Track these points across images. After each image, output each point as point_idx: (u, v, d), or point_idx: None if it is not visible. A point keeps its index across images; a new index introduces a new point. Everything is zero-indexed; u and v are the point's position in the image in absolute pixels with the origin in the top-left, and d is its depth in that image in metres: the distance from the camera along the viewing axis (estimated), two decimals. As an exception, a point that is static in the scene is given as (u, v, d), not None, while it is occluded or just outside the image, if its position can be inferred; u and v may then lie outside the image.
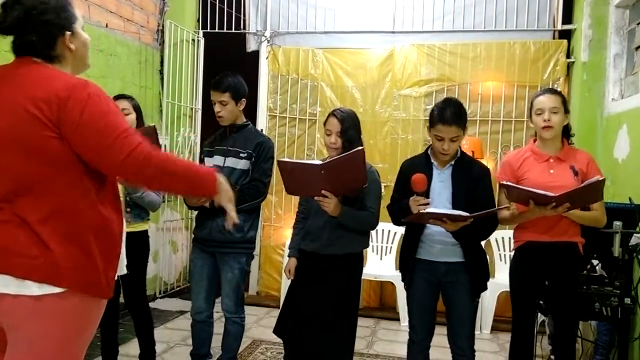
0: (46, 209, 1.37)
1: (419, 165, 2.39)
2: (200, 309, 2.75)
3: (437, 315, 2.44)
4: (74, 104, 1.34)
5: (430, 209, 2.21)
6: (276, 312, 2.65)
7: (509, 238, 4.14)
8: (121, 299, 2.90)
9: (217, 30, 4.92)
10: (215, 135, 2.82)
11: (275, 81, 4.84)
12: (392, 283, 4.33)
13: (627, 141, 3.40)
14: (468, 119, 2.43)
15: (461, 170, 2.35)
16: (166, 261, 4.77)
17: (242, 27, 4.94)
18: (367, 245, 2.60)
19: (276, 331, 2.59)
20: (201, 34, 4.93)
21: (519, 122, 4.41)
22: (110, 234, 1.47)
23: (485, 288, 2.40)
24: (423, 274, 2.37)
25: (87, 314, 1.46)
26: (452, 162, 2.36)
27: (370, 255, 4.48)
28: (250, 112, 3.51)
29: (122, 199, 2.64)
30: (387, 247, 4.49)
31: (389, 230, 4.47)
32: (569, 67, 4.35)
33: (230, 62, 3.77)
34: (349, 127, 2.46)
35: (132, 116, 2.72)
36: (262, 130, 4.57)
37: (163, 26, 4.60)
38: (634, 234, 2.65)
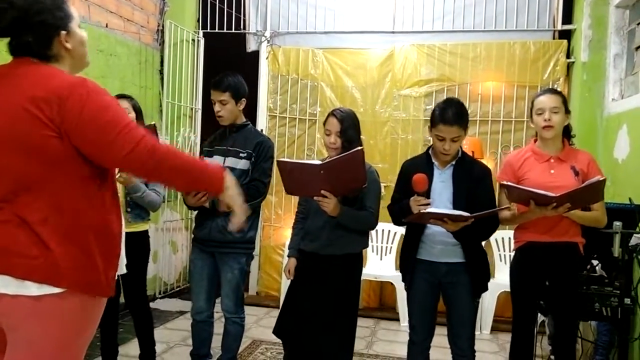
0: (46, 208, 1.37)
1: (420, 165, 2.39)
2: (200, 309, 2.75)
3: (438, 315, 2.44)
4: (74, 102, 1.34)
5: (430, 209, 2.21)
6: (276, 312, 2.65)
7: (509, 238, 4.14)
8: (121, 299, 2.91)
9: (217, 30, 4.92)
10: (215, 135, 2.82)
11: (275, 81, 4.84)
12: (391, 283, 4.33)
13: (627, 141, 3.40)
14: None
15: (462, 170, 2.35)
16: (166, 261, 4.77)
17: (242, 27, 4.94)
18: (366, 246, 2.60)
19: (276, 331, 2.59)
20: (201, 34, 4.93)
21: (519, 122, 4.41)
22: (110, 233, 1.48)
23: (486, 289, 2.40)
24: (424, 275, 2.36)
25: (87, 314, 1.46)
26: (453, 162, 2.36)
27: (370, 255, 4.47)
28: (250, 112, 3.51)
29: (122, 199, 2.66)
30: (387, 247, 4.49)
31: (389, 231, 4.47)
32: (569, 67, 4.35)
33: (230, 62, 3.77)
34: (348, 127, 2.46)
35: (132, 116, 2.72)
36: (262, 130, 4.57)
37: (163, 26, 4.60)
38: (634, 234, 2.65)
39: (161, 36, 4.62)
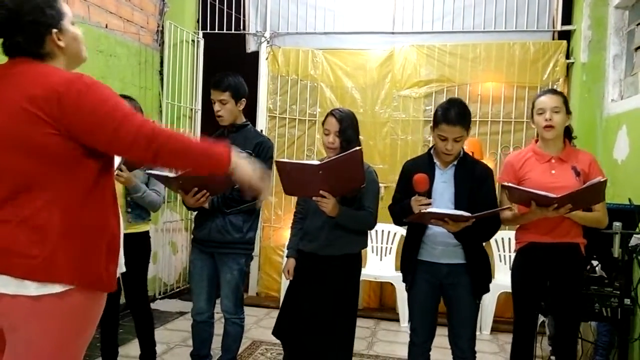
0: (46, 207, 1.37)
1: (422, 165, 2.39)
2: (201, 310, 2.75)
3: (438, 316, 2.43)
4: (72, 97, 1.34)
5: (431, 209, 2.21)
6: (276, 313, 2.65)
7: (509, 239, 4.15)
8: (121, 300, 2.91)
9: (216, 31, 4.92)
10: (215, 135, 2.82)
11: (275, 82, 4.84)
12: (391, 284, 4.33)
13: (627, 142, 3.41)
14: (468, 119, 2.43)
15: (464, 170, 2.35)
16: (166, 262, 4.77)
17: (241, 27, 4.94)
18: (365, 246, 2.60)
19: (275, 332, 2.59)
20: (201, 35, 4.93)
21: (519, 122, 4.41)
22: (110, 230, 1.48)
23: (487, 290, 2.39)
24: (425, 276, 2.36)
25: (87, 313, 1.46)
26: (455, 163, 2.36)
27: (370, 256, 4.48)
28: (250, 112, 3.51)
29: (122, 199, 2.66)
30: (387, 247, 4.49)
31: (389, 231, 4.47)
32: (569, 68, 4.36)
33: (230, 63, 3.77)
34: (347, 126, 2.46)
35: None
36: (261, 131, 4.56)
37: (163, 27, 4.60)
38: (634, 235, 2.66)
39: (161, 37, 4.62)
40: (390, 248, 4.47)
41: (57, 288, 1.37)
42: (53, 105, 1.33)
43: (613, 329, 2.92)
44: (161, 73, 4.61)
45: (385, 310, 4.55)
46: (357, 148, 2.22)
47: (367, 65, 4.67)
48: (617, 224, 2.56)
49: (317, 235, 2.49)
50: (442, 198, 2.31)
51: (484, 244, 2.44)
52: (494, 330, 4.10)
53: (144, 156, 1.43)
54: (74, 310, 1.41)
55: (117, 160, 1.62)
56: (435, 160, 2.39)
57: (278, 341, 2.70)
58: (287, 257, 2.66)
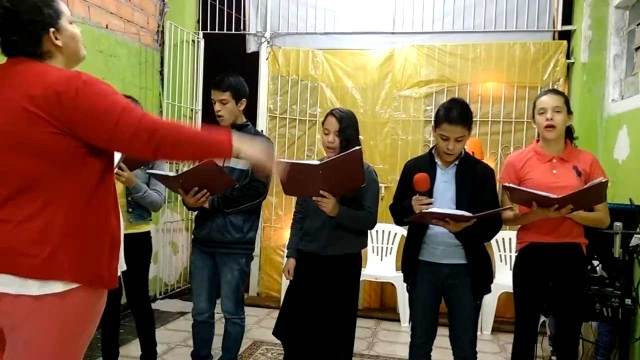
0: (48, 206, 1.37)
1: (423, 165, 2.39)
2: (201, 310, 2.74)
3: (439, 316, 2.43)
4: (70, 95, 1.34)
5: (432, 209, 2.21)
6: (277, 313, 2.65)
7: (510, 239, 4.15)
8: (122, 300, 2.91)
9: (217, 31, 4.92)
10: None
11: (275, 82, 4.84)
12: (392, 284, 4.33)
13: (627, 142, 3.41)
14: (468, 119, 2.42)
15: (465, 170, 2.34)
16: (166, 262, 4.77)
17: (242, 28, 4.94)
18: (365, 246, 2.60)
19: (275, 332, 2.59)
20: (201, 35, 4.93)
21: (519, 122, 4.41)
22: (111, 227, 1.49)
23: (489, 290, 2.39)
24: (426, 276, 2.35)
25: (88, 312, 1.46)
26: (456, 162, 2.36)
27: (371, 256, 4.47)
28: (251, 113, 3.51)
29: (123, 199, 2.66)
30: (387, 248, 4.49)
31: (389, 231, 4.47)
32: (569, 68, 4.36)
33: (230, 63, 3.77)
34: (347, 126, 2.46)
35: None
36: (262, 131, 4.57)
37: (163, 27, 4.60)
38: (635, 235, 2.65)
39: (161, 37, 4.62)
40: (391, 248, 4.47)
41: (58, 287, 1.37)
42: (53, 104, 1.33)
43: (614, 329, 2.92)
44: (161, 73, 4.61)
45: (385, 311, 4.55)
46: (357, 148, 2.21)
47: (367, 66, 4.67)
48: (617, 224, 2.55)
49: (317, 235, 2.49)
50: (444, 198, 2.31)
51: (485, 244, 2.44)
52: (494, 330, 4.09)
53: (145, 150, 1.42)
54: (75, 309, 1.41)
55: (117, 157, 1.61)
56: (436, 160, 2.39)
57: (279, 341, 2.70)
58: (287, 257, 2.65)
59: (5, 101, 1.36)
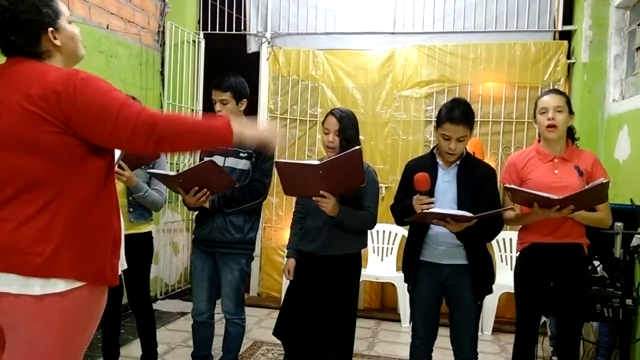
0: (50, 206, 1.38)
1: (424, 165, 2.38)
2: (201, 311, 2.74)
3: (440, 317, 2.42)
4: (69, 94, 1.34)
5: (434, 209, 2.20)
6: (277, 314, 2.65)
7: (510, 239, 4.15)
8: (123, 301, 2.91)
9: (217, 31, 4.93)
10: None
11: (275, 82, 4.84)
12: (393, 284, 4.33)
13: (628, 142, 3.40)
14: (469, 120, 2.42)
15: (467, 170, 2.34)
16: (167, 262, 4.77)
17: (242, 28, 4.95)
18: (365, 246, 2.60)
19: (275, 332, 2.59)
20: (202, 35, 4.93)
21: (520, 123, 4.41)
22: (112, 224, 1.50)
23: (490, 291, 2.38)
24: (427, 277, 2.35)
25: (89, 311, 1.47)
26: (458, 162, 2.35)
27: (371, 256, 4.47)
28: (251, 113, 3.51)
29: (124, 199, 2.66)
30: (388, 248, 4.49)
31: (390, 232, 4.47)
32: (570, 68, 4.36)
33: (230, 64, 3.77)
34: (347, 126, 2.46)
35: None
36: (262, 131, 4.56)
37: (164, 27, 4.60)
38: (635, 235, 2.65)
39: (162, 37, 4.62)
40: (392, 248, 4.47)
41: (60, 286, 1.38)
42: (52, 103, 1.34)
43: (614, 329, 2.92)
44: (162, 74, 4.62)
45: (386, 311, 4.55)
46: (357, 147, 2.21)
47: (368, 66, 4.67)
48: (618, 224, 2.55)
49: (316, 235, 2.49)
50: (445, 198, 2.30)
51: (486, 244, 2.43)
52: (495, 330, 4.09)
53: (146, 144, 1.41)
54: (76, 309, 1.42)
55: (116, 155, 1.62)
56: (438, 160, 2.38)
57: (279, 342, 2.70)
58: (287, 257, 2.65)
59: (5, 101, 1.36)
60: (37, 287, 1.35)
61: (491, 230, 2.34)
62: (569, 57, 4.33)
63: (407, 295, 2.50)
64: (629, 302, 2.64)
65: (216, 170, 2.42)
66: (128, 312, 3.28)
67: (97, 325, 1.53)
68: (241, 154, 2.66)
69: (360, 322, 2.60)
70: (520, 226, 2.57)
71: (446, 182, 2.34)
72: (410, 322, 2.50)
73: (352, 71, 4.70)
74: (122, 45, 4.11)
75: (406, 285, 2.46)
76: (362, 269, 2.61)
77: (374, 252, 4.49)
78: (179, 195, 2.73)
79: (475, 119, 4.30)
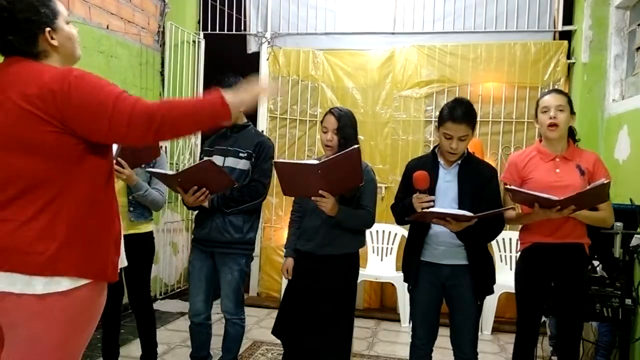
0: (51, 205, 1.38)
1: (426, 164, 2.38)
2: (198, 311, 2.74)
3: (440, 317, 2.42)
4: (65, 92, 1.34)
5: (434, 209, 2.20)
6: (276, 313, 2.65)
7: (510, 239, 4.15)
8: (123, 301, 2.91)
9: (217, 31, 4.93)
10: (216, 135, 2.83)
11: (275, 82, 4.84)
12: (392, 284, 4.32)
13: (628, 142, 3.40)
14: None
15: (468, 169, 2.33)
16: (166, 262, 4.77)
17: (242, 28, 4.95)
18: (363, 245, 2.60)
19: (274, 332, 2.59)
20: (202, 36, 4.94)
21: (520, 123, 4.41)
22: (114, 221, 1.51)
23: (491, 292, 2.37)
24: (428, 277, 2.35)
25: (89, 310, 1.47)
26: (459, 162, 2.35)
27: (371, 256, 4.48)
28: (251, 113, 3.51)
29: (124, 198, 2.66)
30: (387, 248, 4.49)
31: (390, 232, 4.47)
32: (570, 68, 4.36)
33: (230, 64, 3.76)
34: (345, 124, 2.46)
35: None
36: (262, 131, 4.57)
37: (164, 28, 4.61)
38: (635, 235, 2.65)
39: (162, 37, 4.62)
40: (391, 248, 4.47)
41: (64, 285, 1.39)
42: (49, 102, 1.34)
43: (614, 329, 2.92)
44: (162, 74, 4.62)
45: (386, 311, 4.55)
46: (356, 146, 2.20)
47: (367, 66, 4.67)
48: (618, 224, 2.55)
49: (315, 235, 2.49)
50: (446, 197, 2.30)
51: (486, 244, 2.43)
52: (495, 330, 4.09)
53: (145, 136, 1.41)
54: (77, 308, 1.42)
55: (113, 150, 1.62)
56: (439, 160, 2.38)
57: (279, 341, 2.70)
58: (285, 256, 2.66)
59: (2, 102, 1.36)
60: (39, 286, 1.36)
61: (492, 230, 2.34)
62: (569, 57, 4.33)
63: (407, 295, 2.50)
64: (628, 301, 2.64)
65: (215, 170, 2.42)
66: (128, 312, 3.28)
67: (97, 325, 1.54)
68: (241, 154, 2.67)
69: (359, 322, 2.60)
70: (521, 226, 2.57)
71: (447, 182, 2.33)
72: (410, 322, 2.49)
73: (352, 71, 4.70)
74: (122, 45, 4.11)
75: (406, 285, 2.46)
76: (362, 269, 2.61)
77: (373, 252, 4.49)
78: (179, 195, 2.73)
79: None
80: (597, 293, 2.67)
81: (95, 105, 1.36)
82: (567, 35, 4.39)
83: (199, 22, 5.01)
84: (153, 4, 4.56)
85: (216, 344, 2.85)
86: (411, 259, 2.40)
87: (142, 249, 2.79)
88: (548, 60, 4.33)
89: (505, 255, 4.23)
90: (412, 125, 4.58)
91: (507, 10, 4.47)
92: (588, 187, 2.25)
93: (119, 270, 1.55)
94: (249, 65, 4.77)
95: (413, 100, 4.57)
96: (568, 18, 4.37)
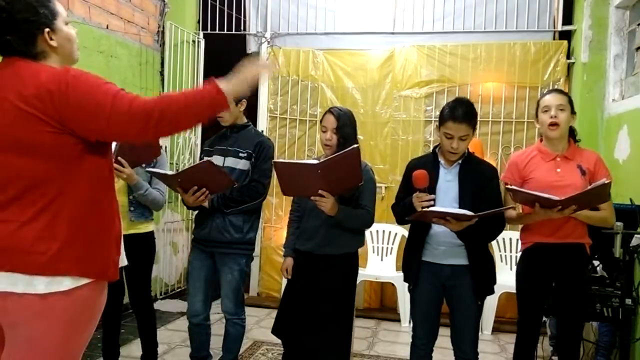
0: (52, 205, 1.39)
1: (426, 163, 2.37)
2: (196, 312, 2.73)
3: (441, 317, 2.42)
4: (62, 92, 1.34)
5: (435, 208, 2.20)
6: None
7: (510, 239, 4.15)
8: (123, 301, 2.91)
9: (217, 31, 4.93)
10: (216, 135, 2.83)
11: (275, 82, 4.85)
12: (392, 284, 4.32)
13: (628, 142, 3.41)
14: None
15: (469, 169, 2.33)
16: (167, 262, 4.77)
17: (242, 28, 4.95)
18: (362, 244, 2.60)
19: (274, 331, 2.59)
20: (201, 35, 4.94)
21: (520, 122, 4.41)
22: (113, 220, 1.51)
23: (492, 292, 2.37)
24: (428, 277, 2.34)
25: (90, 309, 1.48)
26: (460, 161, 2.35)
27: (371, 256, 4.48)
28: (251, 113, 3.51)
29: (125, 197, 2.66)
30: (387, 248, 4.49)
31: (390, 231, 4.47)
32: (569, 68, 4.36)
33: (230, 64, 3.75)
34: (344, 124, 2.47)
35: None
36: (262, 131, 4.57)
37: (163, 27, 4.60)
38: (635, 235, 2.65)
39: (161, 37, 4.62)
40: (391, 248, 4.47)
41: (66, 284, 1.39)
42: (47, 103, 1.34)
43: (614, 329, 2.92)
44: (162, 74, 4.62)
45: (386, 311, 4.55)
46: (355, 146, 2.20)
47: (367, 66, 4.67)
48: (618, 224, 2.55)
49: (314, 234, 2.49)
50: (447, 197, 2.30)
51: (487, 245, 2.43)
52: (495, 330, 4.09)
53: (145, 132, 1.40)
54: (78, 307, 1.43)
55: (112, 147, 1.62)
56: (439, 159, 2.38)
57: (279, 341, 2.70)
58: (285, 256, 2.66)
59: (0, 102, 1.36)
60: (41, 285, 1.36)
61: (492, 230, 2.33)
62: (568, 57, 4.33)
63: (407, 295, 2.50)
64: (628, 301, 2.64)
65: (214, 171, 2.42)
66: (128, 312, 3.28)
67: (97, 325, 1.54)
68: (241, 154, 2.67)
69: (360, 322, 2.60)
70: (521, 226, 2.57)
71: (448, 182, 2.33)
72: (410, 322, 2.49)
73: (351, 71, 4.70)
74: (121, 45, 4.11)
75: (406, 285, 2.46)
76: (362, 268, 2.61)
77: (373, 252, 4.49)
78: (179, 195, 2.73)
79: (475, 119, 4.37)
80: (597, 293, 2.67)
81: (94, 104, 1.36)
82: (566, 35, 4.39)
83: (198, 22, 5.00)
84: (153, 3, 4.56)
85: (216, 344, 2.85)
86: (412, 259, 2.40)
87: (143, 248, 2.79)
88: (548, 60, 4.34)
89: (506, 255, 4.23)
90: (412, 125, 4.58)
91: (506, 10, 4.47)
92: (589, 187, 2.25)
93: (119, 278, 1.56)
94: (249, 65, 4.76)
95: (413, 100, 4.57)
96: (568, 18, 4.38)
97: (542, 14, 4.44)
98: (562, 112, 2.38)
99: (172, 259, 4.86)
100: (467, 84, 4.49)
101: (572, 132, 2.50)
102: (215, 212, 2.63)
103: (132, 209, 2.71)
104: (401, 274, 2.51)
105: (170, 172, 2.60)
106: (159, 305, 4.42)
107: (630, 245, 2.65)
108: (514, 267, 2.64)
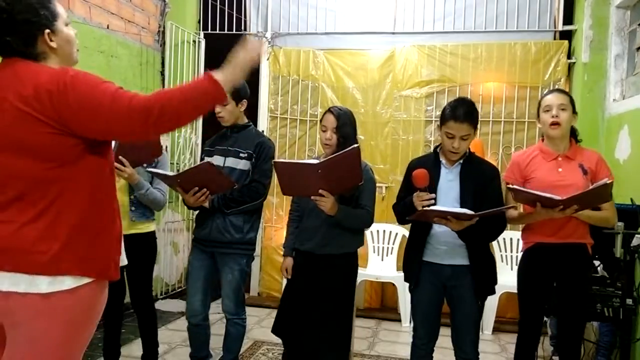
0: (53, 205, 1.39)
1: (427, 163, 2.37)
2: (195, 312, 2.73)
3: (441, 317, 2.42)
4: (61, 93, 1.34)
5: (435, 207, 2.20)
6: (277, 313, 2.66)
7: (511, 239, 4.15)
8: (124, 301, 2.91)
9: (217, 31, 4.93)
10: (217, 135, 2.83)
11: (276, 82, 4.85)
12: (393, 284, 4.32)
13: (629, 142, 3.41)
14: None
15: (470, 169, 2.33)
16: (167, 262, 4.77)
17: (242, 28, 4.95)
18: (362, 244, 2.60)
19: (274, 330, 2.60)
20: (202, 35, 4.94)
21: (520, 122, 4.41)
22: (114, 220, 1.51)
23: (492, 292, 2.37)
24: (429, 277, 2.34)
25: (92, 308, 1.48)
26: (461, 161, 2.34)
27: (372, 256, 4.47)
28: (251, 113, 3.51)
29: (126, 197, 2.66)
30: (388, 247, 4.49)
31: (390, 231, 4.47)
32: (570, 67, 4.35)
33: (231, 64, 3.77)
34: (344, 123, 2.47)
35: None
36: (263, 131, 4.57)
37: (164, 27, 4.61)
38: (636, 235, 2.65)
39: (162, 37, 4.62)
40: (392, 248, 4.47)
41: (67, 283, 1.39)
42: (45, 103, 1.34)
43: (615, 329, 2.92)
44: (162, 74, 4.62)
45: (386, 311, 4.55)
46: (355, 146, 2.20)
47: (368, 66, 4.67)
48: (619, 224, 2.55)
49: (314, 234, 2.50)
50: (448, 197, 2.30)
51: (488, 245, 2.43)
52: (495, 330, 4.09)
53: (145, 130, 1.39)
54: (80, 307, 1.43)
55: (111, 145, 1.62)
56: (441, 159, 2.38)
57: (279, 341, 2.70)
58: (284, 256, 2.66)
59: (1, 103, 1.36)
60: (44, 285, 1.36)
61: (494, 230, 2.33)
62: (569, 57, 4.33)
63: (408, 295, 2.50)
64: (629, 301, 2.64)
65: (214, 172, 2.43)
66: (129, 312, 3.27)
67: (98, 324, 1.54)
68: (241, 154, 2.67)
69: (360, 322, 2.60)
70: (523, 226, 2.57)
71: (449, 181, 2.33)
72: (410, 322, 2.49)
73: (352, 71, 4.70)
74: (122, 45, 4.11)
75: (406, 285, 2.46)
76: (363, 268, 2.62)
77: (374, 252, 4.49)
78: (180, 195, 2.73)
79: (476, 119, 4.36)
80: (598, 293, 2.67)
81: (93, 103, 1.36)
82: (567, 35, 4.39)
83: (199, 22, 5.00)
84: (153, 3, 4.56)
85: (217, 344, 2.85)
86: (412, 259, 2.40)
87: (144, 248, 2.79)
88: (548, 60, 4.33)
89: (507, 255, 4.23)
90: (412, 125, 4.58)
91: (507, 10, 4.47)
92: (591, 187, 2.25)
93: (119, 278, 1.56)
94: (249, 65, 4.76)
95: (413, 100, 4.57)
96: (568, 18, 4.37)
97: (543, 13, 4.44)
98: (563, 111, 2.38)
99: (172, 259, 4.86)
100: (467, 84, 4.48)
101: (573, 132, 2.50)
102: (216, 212, 2.63)
103: (133, 208, 2.71)
104: (402, 273, 2.51)
105: (170, 173, 2.61)
106: (160, 305, 4.42)
107: (631, 245, 2.65)
108: (515, 267, 2.64)
